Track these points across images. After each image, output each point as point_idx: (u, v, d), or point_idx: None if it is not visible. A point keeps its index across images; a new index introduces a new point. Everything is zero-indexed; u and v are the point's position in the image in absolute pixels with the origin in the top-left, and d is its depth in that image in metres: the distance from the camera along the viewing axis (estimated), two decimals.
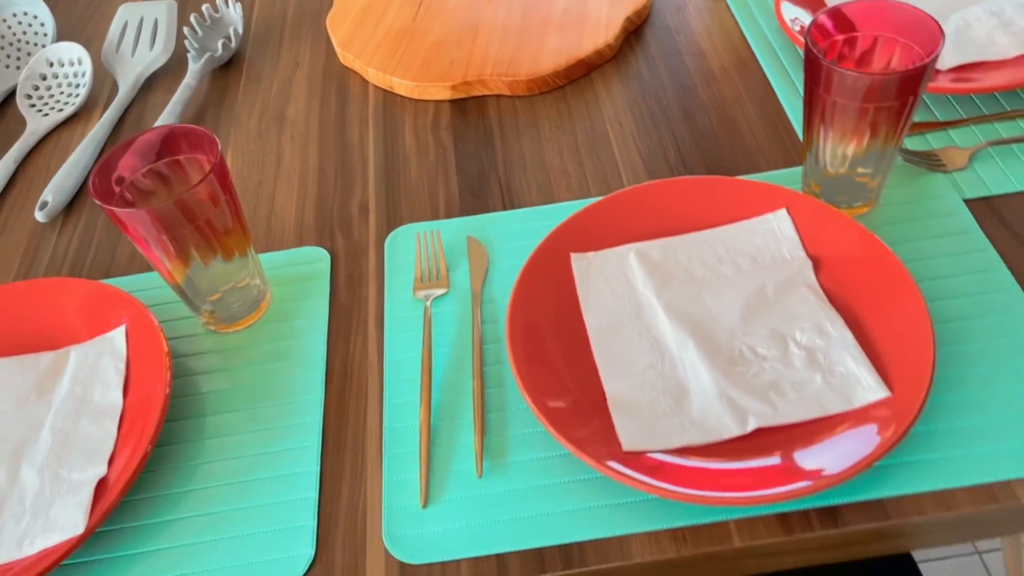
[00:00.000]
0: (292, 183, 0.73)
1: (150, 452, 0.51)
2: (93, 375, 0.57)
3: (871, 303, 0.53)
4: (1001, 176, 0.62)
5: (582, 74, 0.78)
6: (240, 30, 0.87)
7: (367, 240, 0.67)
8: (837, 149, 0.57)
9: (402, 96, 0.79)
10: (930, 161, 0.63)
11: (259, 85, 0.83)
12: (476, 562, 0.47)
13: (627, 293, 0.57)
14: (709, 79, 0.75)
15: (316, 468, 0.53)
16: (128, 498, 0.53)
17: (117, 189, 0.55)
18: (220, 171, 0.54)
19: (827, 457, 0.46)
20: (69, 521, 0.48)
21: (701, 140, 0.70)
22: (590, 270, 0.58)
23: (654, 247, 0.59)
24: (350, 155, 0.74)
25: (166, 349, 0.56)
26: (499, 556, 0.47)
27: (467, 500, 0.50)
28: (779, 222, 0.58)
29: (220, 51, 0.84)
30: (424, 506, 0.50)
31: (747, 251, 0.58)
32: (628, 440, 0.49)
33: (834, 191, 0.60)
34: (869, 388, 0.49)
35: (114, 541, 0.51)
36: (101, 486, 0.51)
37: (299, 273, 0.65)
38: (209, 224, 0.54)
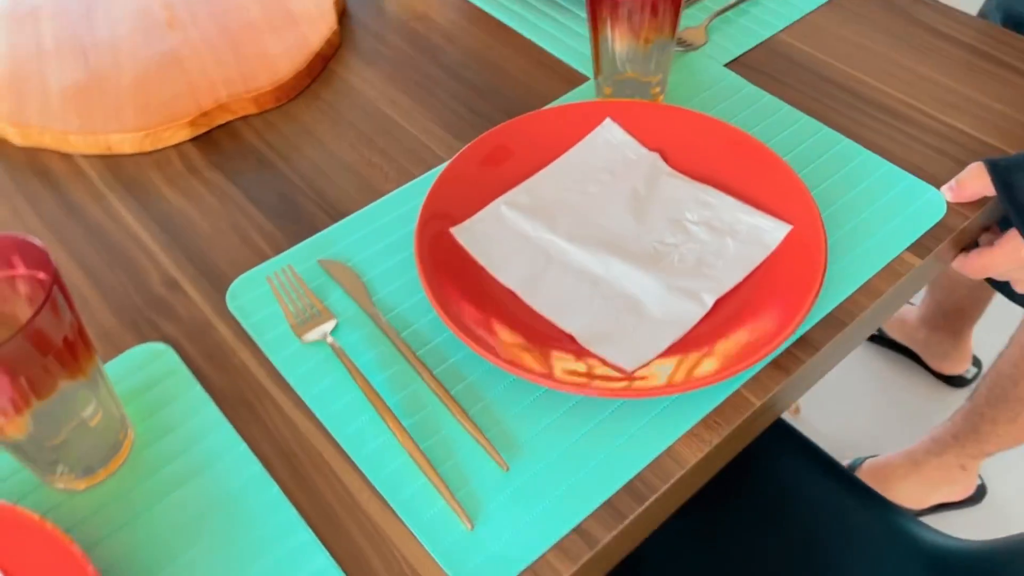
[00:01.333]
0: None
1: None
2: None
3: (724, 166, 0.59)
4: (735, 38, 0.72)
5: (322, 68, 0.73)
6: None
7: (201, 312, 0.57)
8: (629, 50, 0.61)
9: (130, 155, 0.68)
10: (682, 44, 0.71)
11: None
12: (560, 546, 0.45)
13: (524, 243, 0.56)
14: (447, 37, 0.76)
15: (327, 557, 0.45)
16: None
17: None
18: (59, 283, 0.42)
19: (782, 299, 0.51)
20: None
21: (481, 93, 0.70)
22: (475, 236, 0.57)
23: (518, 194, 0.59)
24: (109, 238, 0.62)
25: (50, 526, 0.43)
26: (577, 529, 0.45)
27: (509, 497, 0.47)
28: (610, 132, 0.62)
29: None
30: (471, 527, 0.46)
31: (600, 166, 0.60)
32: (627, 361, 0.49)
33: (627, 94, 0.65)
34: (773, 229, 0.55)
35: None
36: None
37: (145, 379, 0.53)
38: (70, 348, 0.42)
